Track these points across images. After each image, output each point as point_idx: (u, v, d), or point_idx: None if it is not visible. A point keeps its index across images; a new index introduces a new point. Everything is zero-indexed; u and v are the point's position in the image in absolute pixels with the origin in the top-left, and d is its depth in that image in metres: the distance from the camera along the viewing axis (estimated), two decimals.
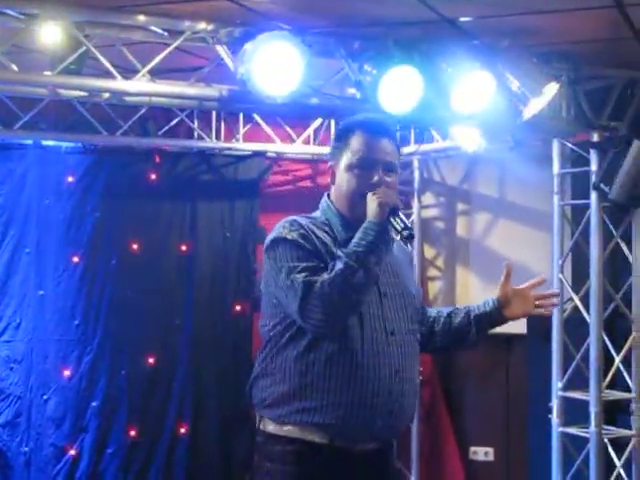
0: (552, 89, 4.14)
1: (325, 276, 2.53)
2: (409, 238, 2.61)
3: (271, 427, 2.68)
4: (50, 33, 3.57)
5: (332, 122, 5.72)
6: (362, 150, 2.72)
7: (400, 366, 2.69)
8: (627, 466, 4.68)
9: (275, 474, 2.65)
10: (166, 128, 5.52)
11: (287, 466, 2.63)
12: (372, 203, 2.62)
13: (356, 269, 2.52)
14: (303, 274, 2.57)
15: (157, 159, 5.73)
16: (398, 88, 3.87)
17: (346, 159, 2.73)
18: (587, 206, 4.70)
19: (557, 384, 4.83)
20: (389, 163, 2.74)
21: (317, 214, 2.81)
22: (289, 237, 2.64)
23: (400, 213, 2.64)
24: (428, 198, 6.26)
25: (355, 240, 2.58)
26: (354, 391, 2.61)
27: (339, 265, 2.53)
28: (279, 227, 2.70)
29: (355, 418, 2.61)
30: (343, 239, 2.69)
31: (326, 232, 2.71)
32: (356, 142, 2.73)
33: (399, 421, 2.72)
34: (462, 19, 3.85)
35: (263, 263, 2.75)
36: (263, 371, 2.72)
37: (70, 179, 5.59)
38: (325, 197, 2.83)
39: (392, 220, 2.62)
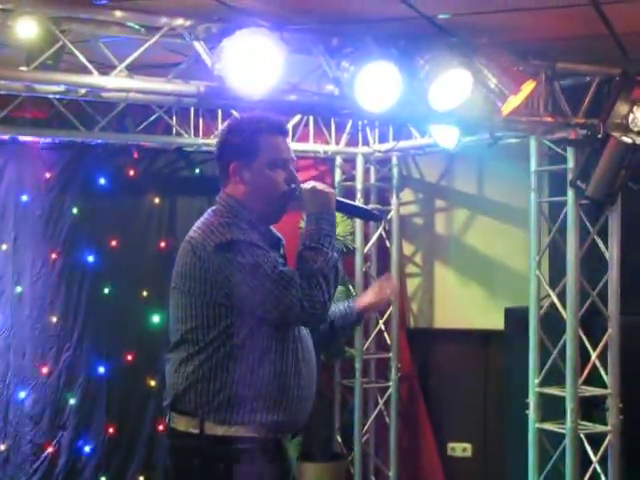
0: (529, 86, 4.16)
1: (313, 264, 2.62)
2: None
3: (213, 429, 2.63)
4: (26, 28, 3.53)
5: (310, 119, 5.72)
6: (277, 150, 2.82)
7: (312, 355, 2.81)
8: (603, 462, 4.70)
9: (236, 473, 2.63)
10: (144, 124, 5.48)
11: (244, 465, 2.63)
12: (316, 195, 2.77)
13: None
14: (287, 267, 2.64)
15: (135, 155, 5.72)
16: (376, 85, 3.87)
17: (263, 158, 2.79)
18: (564, 203, 4.72)
19: (534, 380, 4.85)
20: (293, 160, 2.88)
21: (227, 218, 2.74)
22: (247, 239, 2.65)
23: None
24: (407, 195, 6.28)
25: (319, 230, 2.71)
26: (300, 386, 2.71)
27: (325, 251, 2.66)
28: (226, 230, 2.66)
29: (300, 411, 2.73)
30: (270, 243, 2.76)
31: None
32: (267, 143, 2.81)
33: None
34: (440, 16, 3.87)
35: (190, 267, 2.70)
36: (206, 374, 2.65)
37: (48, 175, 5.58)
38: (231, 200, 2.80)
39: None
